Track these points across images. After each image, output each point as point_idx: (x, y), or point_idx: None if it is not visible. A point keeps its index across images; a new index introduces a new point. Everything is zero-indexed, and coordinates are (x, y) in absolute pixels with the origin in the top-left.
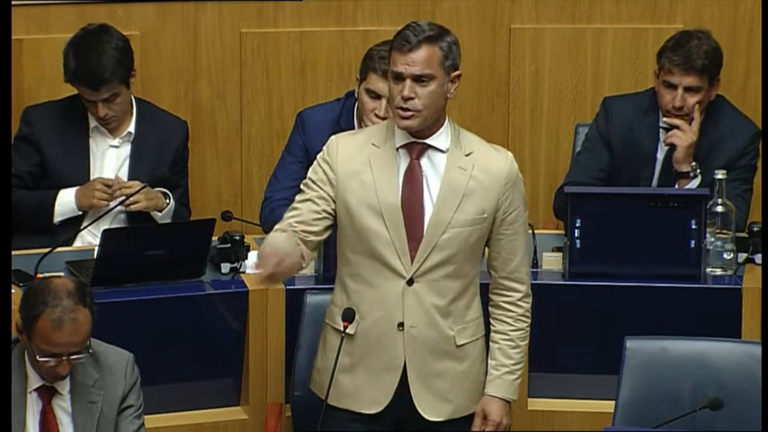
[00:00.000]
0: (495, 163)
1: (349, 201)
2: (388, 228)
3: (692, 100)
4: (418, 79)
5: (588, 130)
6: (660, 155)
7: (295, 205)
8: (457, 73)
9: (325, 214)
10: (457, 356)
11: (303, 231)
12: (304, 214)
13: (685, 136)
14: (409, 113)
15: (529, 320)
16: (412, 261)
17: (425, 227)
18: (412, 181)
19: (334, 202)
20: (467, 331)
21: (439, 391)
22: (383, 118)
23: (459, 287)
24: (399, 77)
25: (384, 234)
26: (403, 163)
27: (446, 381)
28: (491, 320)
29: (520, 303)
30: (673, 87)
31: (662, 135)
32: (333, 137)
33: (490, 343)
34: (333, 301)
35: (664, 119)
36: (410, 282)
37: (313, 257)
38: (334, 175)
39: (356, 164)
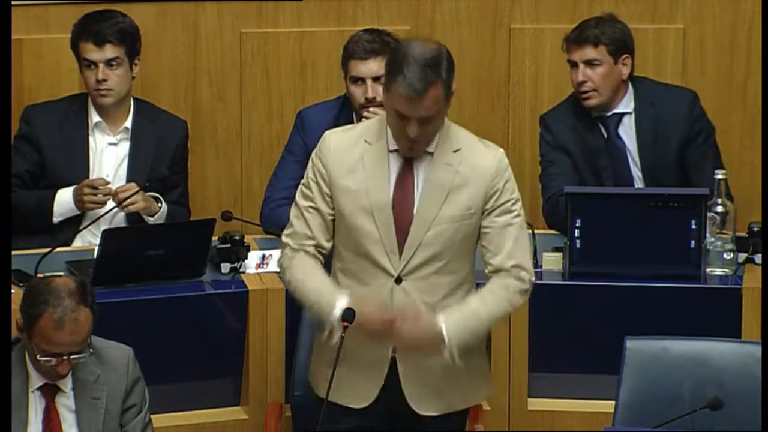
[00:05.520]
0: (483, 159)
1: (341, 198)
2: (378, 226)
3: (594, 73)
4: (425, 120)
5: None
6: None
7: (302, 214)
8: (453, 90)
9: (330, 219)
10: None
11: (316, 248)
12: (314, 229)
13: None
14: (416, 145)
15: (513, 305)
16: (400, 259)
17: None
18: (404, 183)
19: (331, 199)
20: None
21: (433, 387)
22: (372, 99)
23: (451, 283)
24: (404, 117)
25: (374, 232)
26: (394, 164)
27: (440, 377)
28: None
29: (512, 284)
30: (576, 66)
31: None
32: (326, 133)
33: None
34: None
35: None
36: (398, 280)
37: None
38: (326, 172)
39: (348, 162)
